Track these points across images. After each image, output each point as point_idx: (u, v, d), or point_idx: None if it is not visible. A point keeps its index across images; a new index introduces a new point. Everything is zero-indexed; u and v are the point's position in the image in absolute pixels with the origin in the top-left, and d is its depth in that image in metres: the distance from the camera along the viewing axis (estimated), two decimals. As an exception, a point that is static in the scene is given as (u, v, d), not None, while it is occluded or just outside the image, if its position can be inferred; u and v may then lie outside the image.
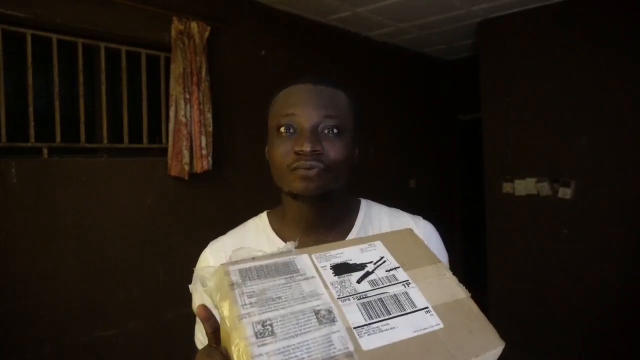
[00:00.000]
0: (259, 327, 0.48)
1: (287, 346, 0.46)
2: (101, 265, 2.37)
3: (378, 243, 0.65)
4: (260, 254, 0.59)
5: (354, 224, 0.87)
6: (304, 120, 0.77)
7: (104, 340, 2.36)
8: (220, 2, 2.89)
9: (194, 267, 0.90)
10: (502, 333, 0.55)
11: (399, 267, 0.60)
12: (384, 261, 0.61)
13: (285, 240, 0.84)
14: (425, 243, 0.87)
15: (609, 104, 3.09)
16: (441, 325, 0.53)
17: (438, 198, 4.76)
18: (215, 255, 0.86)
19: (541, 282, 3.39)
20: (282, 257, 0.59)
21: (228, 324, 0.50)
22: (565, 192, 3.26)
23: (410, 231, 0.70)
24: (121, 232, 2.45)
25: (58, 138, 2.28)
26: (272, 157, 0.80)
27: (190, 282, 0.90)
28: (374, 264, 0.60)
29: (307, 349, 0.46)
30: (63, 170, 2.28)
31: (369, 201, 0.93)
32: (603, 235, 3.11)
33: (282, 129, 0.78)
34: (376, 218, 0.89)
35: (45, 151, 2.25)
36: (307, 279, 0.56)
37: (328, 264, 0.59)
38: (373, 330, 0.50)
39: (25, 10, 2.15)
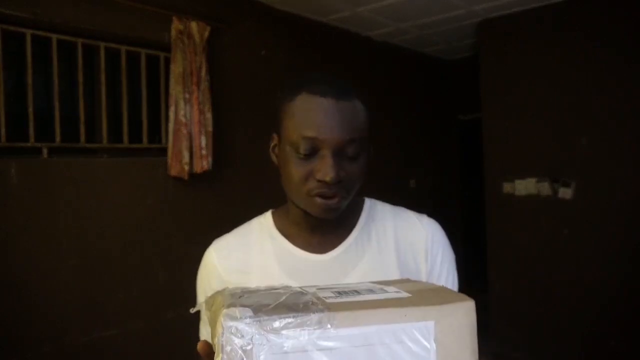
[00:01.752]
0: (237, 296, 0.52)
1: (257, 300, 0.50)
2: (101, 265, 2.37)
3: (366, 283, 0.64)
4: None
5: (357, 222, 0.87)
6: (327, 145, 0.72)
7: (104, 340, 2.35)
8: (220, 2, 2.89)
9: (194, 266, 0.90)
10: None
11: (385, 287, 0.59)
12: (369, 286, 0.60)
13: (288, 239, 0.84)
14: (431, 241, 0.87)
15: (609, 104, 3.09)
16: (409, 295, 0.53)
17: (438, 198, 4.76)
18: (219, 254, 0.86)
19: (541, 282, 3.39)
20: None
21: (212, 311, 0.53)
22: (565, 192, 3.26)
23: (407, 278, 0.69)
24: (121, 232, 2.45)
25: (58, 138, 2.28)
26: (288, 177, 0.76)
27: (190, 282, 0.91)
28: (358, 284, 0.60)
29: (274, 299, 0.50)
30: (63, 170, 2.27)
31: (372, 200, 0.92)
32: (603, 236, 3.11)
33: (301, 150, 0.73)
34: (380, 217, 0.89)
35: (45, 151, 2.25)
36: (294, 289, 0.57)
37: (314, 288, 0.59)
38: (340, 298, 0.52)
39: (25, 10, 2.15)
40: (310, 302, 0.49)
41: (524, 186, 3.46)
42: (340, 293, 0.55)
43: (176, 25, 2.54)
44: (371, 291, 0.55)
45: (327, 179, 0.71)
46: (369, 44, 3.98)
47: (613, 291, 3.05)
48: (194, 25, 2.59)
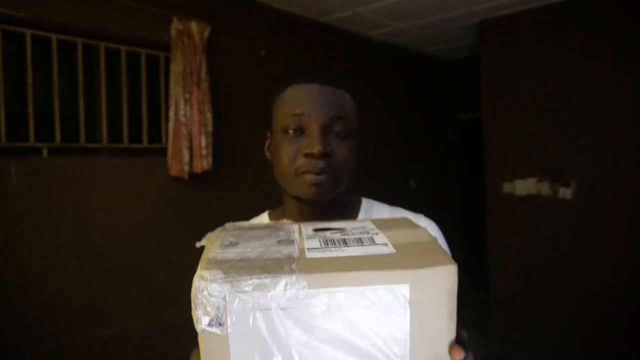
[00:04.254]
0: (227, 242, 0.55)
1: (242, 251, 0.52)
2: (101, 265, 2.37)
3: (367, 222, 0.66)
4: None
5: None
6: (313, 121, 0.75)
7: (103, 340, 2.35)
8: (220, 2, 2.89)
9: (194, 266, 0.90)
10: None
11: (378, 232, 0.60)
12: (366, 229, 0.61)
13: None
14: None
15: (609, 104, 3.09)
16: (393, 251, 0.53)
17: (438, 198, 4.76)
18: None
19: (541, 282, 3.39)
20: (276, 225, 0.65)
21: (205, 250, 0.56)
22: (565, 192, 3.26)
23: (406, 219, 0.69)
24: (121, 232, 2.45)
25: (58, 138, 2.28)
26: (278, 160, 0.78)
27: (190, 282, 0.90)
28: (354, 228, 0.62)
29: (257, 253, 0.51)
30: (63, 170, 2.27)
31: (370, 200, 0.93)
32: (603, 236, 3.10)
33: (290, 130, 0.76)
34: (377, 216, 0.89)
35: (45, 151, 2.25)
36: (286, 231, 0.60)
37: (311, 227, 0.63)
38: (324, 251, 0.53)
39: (25, 10, 2.15)
40: (287, 260, 0.49)
41: (524, 186, 3.46)
42: (327, 242, 0.55)
43: (176, 25, 2.54)
44: (359, 241, 0.55)
45: (314, 151, 0.72)
46: (369, 44, 3.98)
47: (613, 291, 3.05)
48: (194, 25, 2.59)
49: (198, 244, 0.64)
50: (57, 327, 2.21)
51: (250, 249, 0.53)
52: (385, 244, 0.54)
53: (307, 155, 0.74)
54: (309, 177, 0.75)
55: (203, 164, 2.60)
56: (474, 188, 4.61)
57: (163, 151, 2.63)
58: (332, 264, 0.49)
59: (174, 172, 2.55)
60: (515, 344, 3.47)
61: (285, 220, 0.66)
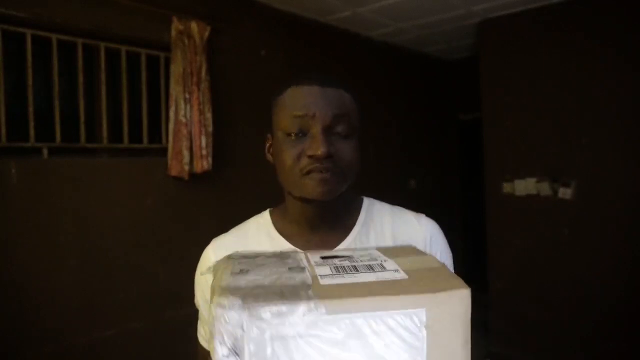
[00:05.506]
0: (237, 270, 0.55)
1: (255, 278, 0.51)
2: (101, 265, 2.37)
3: (372, 249, 0.66)
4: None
5: (355, 221, 0.87)
6: (315, 122, 0.75)
7: (103, 340, 2.35)
8: (220, 2, 2.89)
9: (194, 266, 0.90)
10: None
11: (387, 259, 0.60)
12: (373, 256, 0.62)
13: (287, 239, 0.84)
14: (429, 241, 0.87)
15: (609, 104, 3.09)
16: (406, 277, 0.53)
17: (438, 198, 4.76)
18: (217, 253, 0.86)
19: (541, 282, 3.39)
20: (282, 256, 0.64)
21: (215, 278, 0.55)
22: (565, 192, 3.26)
23: (412, 247, 0.70)
24: (121, 232, 2.45)
25: (58, 138, 2.28)
26: (281, 162, 0.78)
27: (190, 282, 0.91)
28: (361, 256, 0.62)
29: (270, 280, 0.51)
30: (63, 170, 2.27)
31: (371, 199, 0.93)
32: (603, 236, 3.11)
33: (292, 132, 0.76)
34: (378, 216, 0.89)
35: (45, 151, 2.25)
36: (295, 259, 0.60)
37: (318, 255, 0.63)
38: (336, 278, 0.53)
39: (25, 10, 2.15)
40: (302, 286, 0.49)
41: (524, 186, 3.46)
42: (338, 269, 0.55)
43: (176, 25, 2.54)
44: (370, 268, 0.55)
45: (318, 152, 0.73)
46: (369, 44, 3.98)
47: (613, 291, 3.05)
48: (194, 25, 2.59)
49: (202, 274, 0.64)
50: (57, 327, 2.21)
51: (262, 276, 0.52)
52: (396, 270, 0.55)
53: (311, 157, 0.74)
54: (316, 176, 0.75)
55: (203, 164, 2.60)
56: (474, 188, 4.61)
57: (163, 151, 2.63)
58: (348, 289, 0.49)
59: (174, 172, 2.55)
60: (515, 344, 3.47)
61: (289, 248, 0.66)
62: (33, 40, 2.20)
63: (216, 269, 0.58)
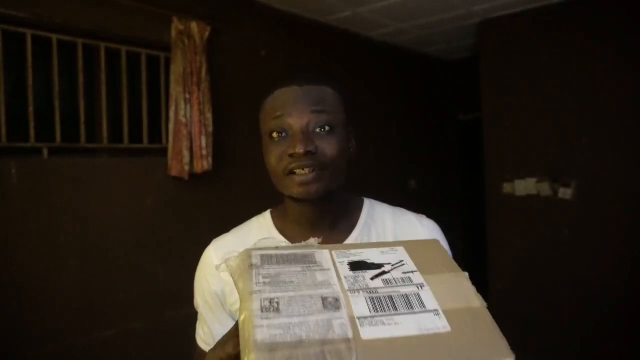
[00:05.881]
0: (266, 302, 0.51)
1: (288, 323, 0.49)
2: (101, 266, 2.37)
3: (400, 248, 0.65)
4: (284, 244, 0.63)
5: (356, 222, 0.87)
6: (293, 122, 0.77)
7: (103, 340, 2.35)
8: (220, 2, 2.89)
9: (194, 266, 0.90)
10: (503, 333, 0.54)
11: (416, 270, 0.59)
12: (403, 264, 0.61)
13: (288, 239, 0.84)
14: None
15: (609, 104, 3.09)
16: (448, 329, 0.51)
17: (438, 198, 4.76)
18: (217, 253, 0.86)
19: (541, 282, 3.39)
20: (303, 249, 0.61)
21: (240, 298, 0.53)
22: (565, 192, 3.26)
23: (436, 242, 0.69)
24: (121, 232, 2.45)
25: (58, 138, 2.28)
26: (267, 163, 0.81)
27: (190, 282, 0.91)
28: (392, 265, 0.60)
29: (306, 328, 0.48)
30: (63, 170, 2.27)
31: (371, 200, 0.93)
32: (603, 236, 3.11)
33: (274, 134, 0.78)
34: (379, 217, 0.89)
35: (45, 151, 2.25)
36: (322, 269, 0.57)
37: (346, 260, 0.60)
38: (376, 323, 0.50)
39: (25, 10, 2.15)
40: (341, 341, 0.47)
41: (524, 186, 3.46)
42: (374, 304, 0.53)
43: (176, 25, 2.54)
44: (408, 304, 0.53)
45: (296, 149, 0.74)
46: (369, 44, 3.98)
47: (613, 291, 3.05)
48: (194, 25, 2.59)
49: (217, 267, 0.60)
50: (57, 327, 2.20)
51: (297, 317, 0.49)
52: (436, 311, 0.53)
53: (291, 156, 0.75)
54: (297, 177, 0.76)
55: (203, 164, 2.60)
56: (474, 188, 4.61)
57: (163, 151, 2.63)
58: (392, 352, 0.48)
59: (174, 172, 2.55)
60: (515, 344, 3.45)
61: (307, 240, 0.63)
62: (33, 40, 2.20)
63: (234, 269, 0.57)
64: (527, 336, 3.42)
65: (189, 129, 2.56)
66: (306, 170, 0.75)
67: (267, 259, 0.58)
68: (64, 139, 2.30)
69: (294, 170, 0.76)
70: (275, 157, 0.78)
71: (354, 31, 3.80)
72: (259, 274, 0.55)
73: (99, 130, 2.51)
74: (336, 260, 0.60)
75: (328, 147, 0.77)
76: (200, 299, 0.87)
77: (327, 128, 0.78)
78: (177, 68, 2.53)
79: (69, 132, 2.35)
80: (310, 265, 0.58)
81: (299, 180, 0.76)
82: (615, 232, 3.06)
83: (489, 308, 0.58)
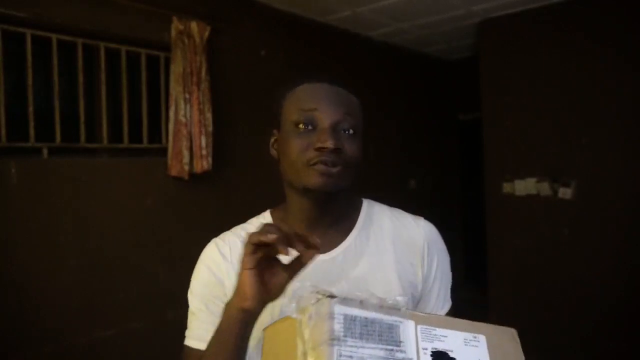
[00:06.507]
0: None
1: None
2: (101, 265, 2.37)
3: (482, 338, 0.63)
4: (367, 294, 0.57)
5: (355, 222, 0.88)
6: (326, 117, 0.78)
7: (103, 340, 2.35)
8: (220, 2, 2.89)
9: (194, 266, 0.90)
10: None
11: None
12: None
13: None
14: (428, 244, 0.87)
15: (609, 104, 3.09)
16: None
17: (438, 198, 4.76)
18: (218, 252, 0.86)
19: (541, 283, 3.39)
20: (390, 314, 0.57)
21: (308, 347, 0.51)
22: (565, 192, 3.26)
23: (514, 333, 0.69)
24: (121, 232, 2.45)
25: (58, 138, 2.28)
26: (287, 152, 0.80)
27: (190, 281, 0.90)
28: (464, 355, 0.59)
29: None
30: (63, 170, 2.27)
31: (370, 201, 0.93)
32: (603, 236, 3.10)
33: (301, 125, 0.78)
34: (377, 218, 0.90)
35: (45, 151, 2.25)
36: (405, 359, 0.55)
37: (430, 348, 0.58)
38: None
39: (25, 10, 2.15)
40: None
41: (524, 186, 3.46)
42: None
43: (176, 25, 2.54)
44: None
45: (327, 145, 0.75)
46: (369, 44, 3.98)
47: (613, 291, 3.05)
48: (194, 25, 2.59)
49: (292, 312, 0.55)
50: (57, 327, 2.21)
51: None
52: None
53: (319, 149, 0.76)
54: (321, 168, 0.76)
55: (203, 164, 2.61)
56: (474, 188, 4.61)
57: (163, 151, 2.63)
58: None
59: (174, 172, 2.55)
60: (515, 344, 3.46)
61: (395, 299, 0.59)
62: (33, 40, 2.20)
63: (308, 322, 0.53)
64: (527, 336, 3.41)
65: (189, 129, 2.57)
66: (331, 165, 0.76)
67: (350, 326, 0.53)
68: (64, 139, 2.30)
69: (319, 164, 0.76)
70: (298, 147, 0.78)
71: (354, 31, 3.80)
72: (340, 355, 0.51)
73: (99, 130, 2.51)
74: (420, 345, 0.57)
75: (351, 148, 0.79)
76: (197, 303, 0.86)
77: (351, 131, 0.80)
78: (177, 68, 2.53)
79: (69, 132, 2.35)
80: (394, 349, 0.55)
81: (322, 171, 0.76)
82: (615, 232, 3.06)
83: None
